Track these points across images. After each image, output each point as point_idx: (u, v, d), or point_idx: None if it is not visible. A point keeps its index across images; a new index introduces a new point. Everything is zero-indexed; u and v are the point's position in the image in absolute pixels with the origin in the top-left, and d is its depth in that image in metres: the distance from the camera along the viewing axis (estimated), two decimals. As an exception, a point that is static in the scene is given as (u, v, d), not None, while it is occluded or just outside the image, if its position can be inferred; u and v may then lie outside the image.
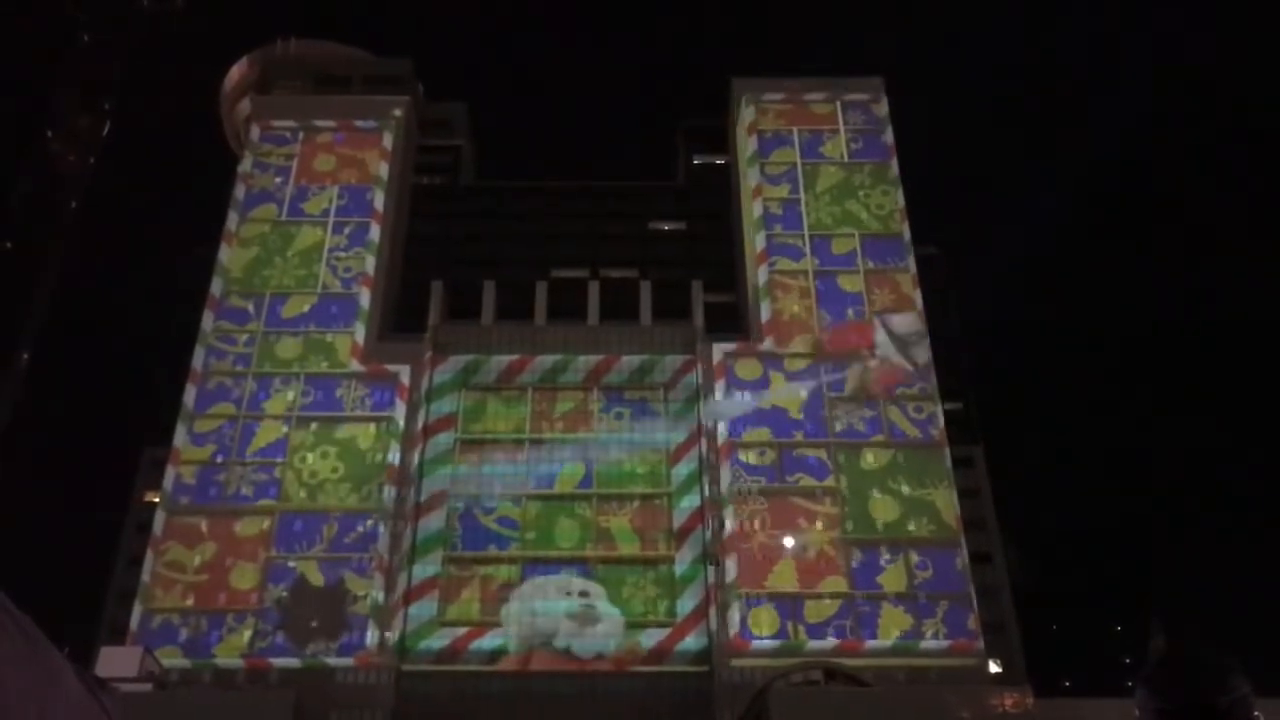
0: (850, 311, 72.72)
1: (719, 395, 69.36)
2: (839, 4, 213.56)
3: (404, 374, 72.85)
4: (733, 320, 79.29)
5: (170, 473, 68.67)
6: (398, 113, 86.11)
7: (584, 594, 66.46)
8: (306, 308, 75.61)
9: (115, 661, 54.97)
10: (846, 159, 79.37)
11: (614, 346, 74.80)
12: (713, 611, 64.44)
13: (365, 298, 76.19)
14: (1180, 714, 3.36)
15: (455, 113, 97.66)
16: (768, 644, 62.38)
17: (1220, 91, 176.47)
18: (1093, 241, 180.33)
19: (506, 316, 77.40)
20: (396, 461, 69.68)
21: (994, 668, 66.42)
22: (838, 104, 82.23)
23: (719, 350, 71.49)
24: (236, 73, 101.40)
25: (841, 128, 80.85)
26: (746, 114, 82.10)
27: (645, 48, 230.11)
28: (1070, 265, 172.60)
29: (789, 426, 68.75)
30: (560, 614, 65.64)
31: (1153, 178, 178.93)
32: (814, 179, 78.61)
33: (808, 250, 75.22)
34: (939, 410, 69.54)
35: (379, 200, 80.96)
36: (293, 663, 62.62)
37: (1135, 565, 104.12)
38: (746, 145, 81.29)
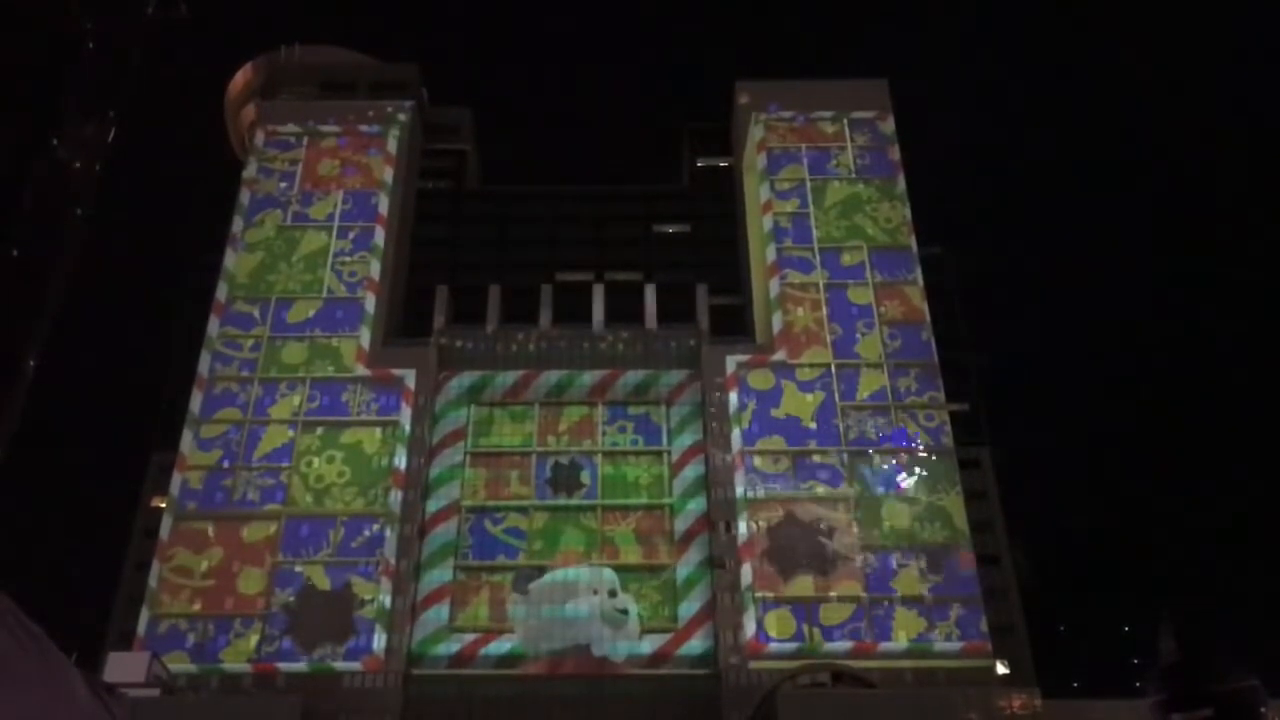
0: (860, 323, 73.30)
1: (733, 406, 69.83)
2: (842, 4, 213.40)
3: (409, 378, 73.05)
4: (737, 322, 79.45)
5: (177, 478, 68.85)
6: (402, 118, 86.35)
7: (613, 593, 66.99)
8: (312, 313, 75.86)
9: (123, 667, 55.10)
10: (854, 175, 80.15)
11: (619, 349, 75.61)
12: (718, 614, 64.84)
13: (370, 302, 76.43)
14: (1180, 703, 3.39)
15: (460, 118, 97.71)
16: (784, 647, 62.72)
17: (1228, 91, 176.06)
18: (1099, 240, 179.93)
19: (511, 320, 77.66)
20: (403, 466, 69.87)
21: (1002, 669, 66.30)
22: (845, 122, 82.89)
23: (732, 361, 72.06)
24: (241, 79, 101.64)
25: (849, 144, 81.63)
26: (755, 131, 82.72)
27: (647, 51, 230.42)
28: (1077, 265, 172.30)
29: (802, 435, 69.50)
30: (588, 616, 66.11)
31: (1157, 178, 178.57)
32: (822, 194, 79.48)
33: (818, 263, 76.08)
34: (949, 417, 70.12)
35: (384, 205, 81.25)
36: (300, 667, 62.74)
37: (1144, 565, 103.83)
38: (756, 161, 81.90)
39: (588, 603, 66.69)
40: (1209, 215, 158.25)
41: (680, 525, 69.94)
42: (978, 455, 77.28)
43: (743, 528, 66.25)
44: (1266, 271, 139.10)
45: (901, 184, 79.78)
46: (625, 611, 66.48)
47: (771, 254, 76.88)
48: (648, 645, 65.74)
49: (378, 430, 71.55)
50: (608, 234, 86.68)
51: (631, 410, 74.81)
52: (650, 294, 78.45)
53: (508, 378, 75.49)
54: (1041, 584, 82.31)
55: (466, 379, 75.51)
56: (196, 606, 64.76)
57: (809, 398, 70.74)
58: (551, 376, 75.33)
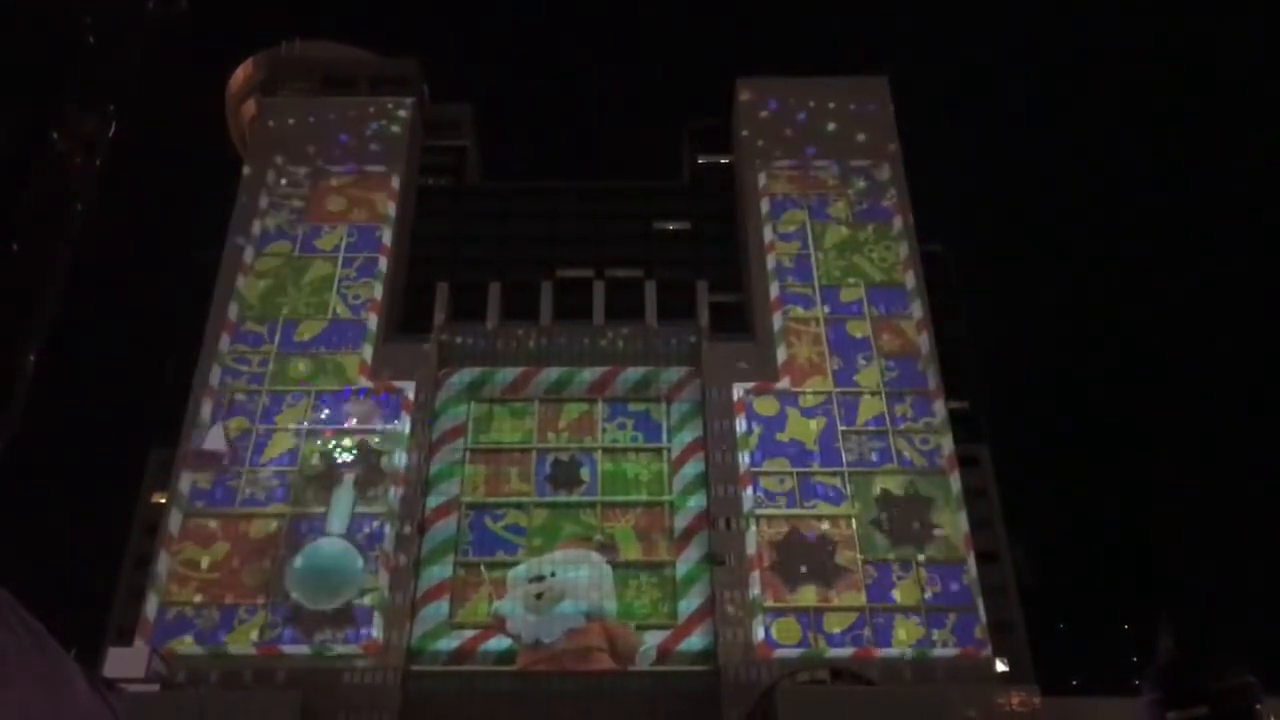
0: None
1: (740, 431, 70.93)
2: (843, 2, 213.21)
3: (409, 390, 73.60)
4: (737, 319, 79.64)
5: (186, 477, 69.27)
6: (403, 113, 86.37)
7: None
8: (318, 331, 76.51)
9: (122, 662, 55.28)
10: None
11: (619, 346, 75.92)
12: (718, 611, 65.18)
13: (373, 321, 77.03)
14: (1176, 701, 3.40)
15: (460, 113, 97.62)
16: (790, 652, 63.58)
17: (1223, 89, 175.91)
18: (1099, 238, 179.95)
19: (512, 317, 77.78)
20: (403, 465, 70.21)
21: (1001, 666, 66.50)
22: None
23: (739, 388, 73.16)
24: (242, 74, 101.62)
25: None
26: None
27: (648, 47, 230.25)
28: (1077, 261, 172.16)
29: (806, 457, 70.70)
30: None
31: (1157, 173, 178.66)
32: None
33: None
34: (947, 441, 71.23)
35: (387, 237, 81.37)
36: (302, 650, 63.15)
37: (1144, 563, 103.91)
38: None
39: (586, 590, 67.00)
40: (1211, 213, 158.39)
41: (680, 522, 70.40)
42: (977, 453, 77.35)
43: (751, 543, 67.07)
44: (1269, 271, 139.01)
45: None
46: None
47: (775, 290, 78.00)
48: (647, 641, 66.07)
49: (379, 436, 72.02)
50: (608, 230, 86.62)
51: (631, 407, 75.11)
52: (650, 290, 78.63)
53: (508, 374, 75.77)
54: (1041, 581, 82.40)
55: (466, 375, 75.79)
56: (201, 598, 65.40)
57: (812, 423, 71.95)
58: (551, 373, 75.59)
